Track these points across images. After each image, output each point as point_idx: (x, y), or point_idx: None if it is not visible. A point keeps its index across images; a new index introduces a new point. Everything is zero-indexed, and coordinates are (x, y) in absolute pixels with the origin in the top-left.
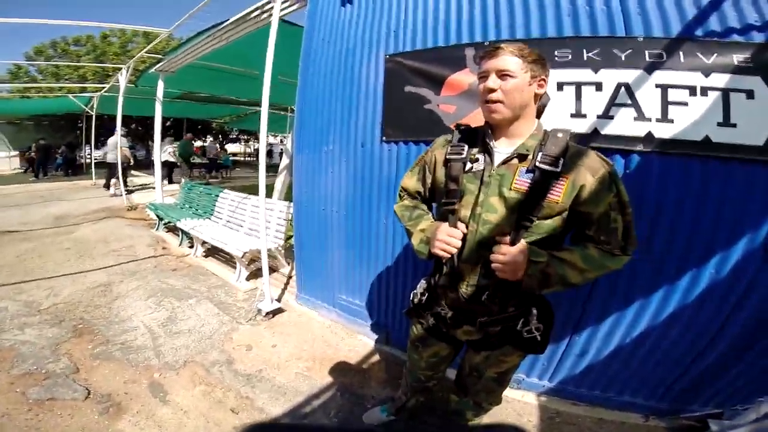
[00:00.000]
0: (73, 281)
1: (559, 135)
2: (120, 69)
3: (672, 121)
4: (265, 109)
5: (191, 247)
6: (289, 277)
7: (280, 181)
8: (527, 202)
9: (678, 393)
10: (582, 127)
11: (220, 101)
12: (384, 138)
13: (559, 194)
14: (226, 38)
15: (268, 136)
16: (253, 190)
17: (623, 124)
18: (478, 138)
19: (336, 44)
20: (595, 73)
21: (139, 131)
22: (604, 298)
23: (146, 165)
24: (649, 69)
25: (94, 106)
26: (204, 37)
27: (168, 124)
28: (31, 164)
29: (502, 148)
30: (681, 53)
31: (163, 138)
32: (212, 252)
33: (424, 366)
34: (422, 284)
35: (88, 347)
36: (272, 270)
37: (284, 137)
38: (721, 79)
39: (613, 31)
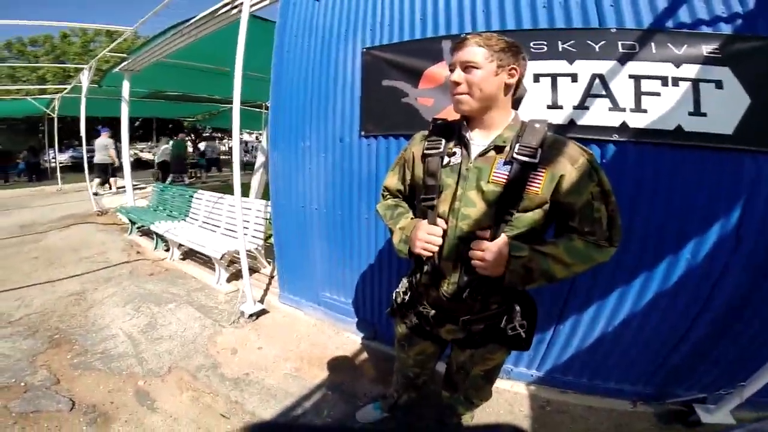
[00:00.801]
0: (43, 291)
1: (537, 126)
2: (82, 69)
3: (645, 111)
4: (236, 106)
5: (167, 250)
6: (271, 277)
7: (256, 180)
8: (506, 195)
9: (662, 379)
10: (558, 118)
11: (191, 99)
12: (363, 133)
13: (539, 185)
14: (195, 35)
15: (243, 133)
16: (229, 189)
17: (598, 115)
18: (455, 131)
19: (311, 38)
20: (571, 64)
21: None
22: (586, 287)
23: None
24: (623, 60)
25: (56, 108)
26: (171, 34)
27: (136, 124)
28: None
29: (479, 141)
30: (653, 44)
31: (158, 139)
32: (190, 254)
33: (412, 363)
34: (404, 283)
35: (67, 357)
36: (253, 271)
37: (260, 134)
38: (691, 70)
39: (587, 23)
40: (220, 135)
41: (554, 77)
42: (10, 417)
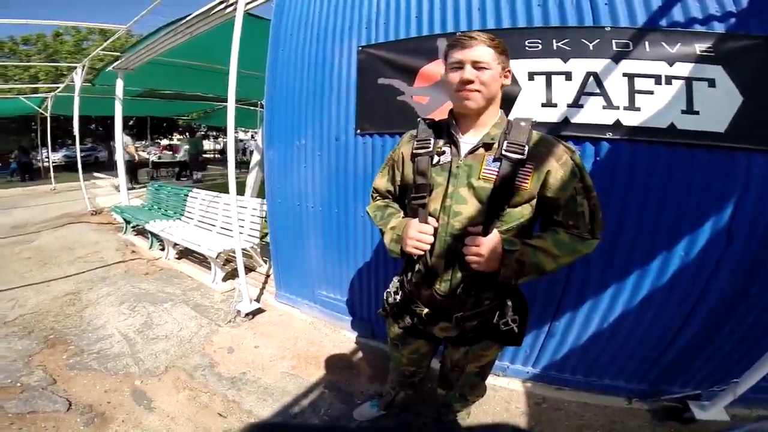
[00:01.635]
0: (37, 291)
1: (522, 123)
2: (74, 68)
3: (639, 109)
4: (231, 105)
5: (162, 249)
6: (267, 276)
7: (251, 178)
8: (497, 191)
9: (657, 376)
10: (553, 116)
11: (186, 98)
12: (359, 131)
13: (528, 181)
14: (190, 33)
15: (238, 132)
16: (225, 188)
17: (593, 113)
18: (443, 130)
19: (306, 36)
20: (565, 62)
21: (99, 132)
22: (581, 284)
23: (109, 166)
24: (617, 58)
25: (48, 107)
26: (165, 32)
27: (131, 123)
28: None
29: (468, 139)
30: (646, 43)
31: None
32: (185, 254)
33: (407, 362)
34: (395, 283)
35: (63, 357)
36: (249, 269)
37: (255, 132)
38: (684, 68)
39: (581, 21)
40: (215, 133)
41: (549, 75)
42: (7, 418)
